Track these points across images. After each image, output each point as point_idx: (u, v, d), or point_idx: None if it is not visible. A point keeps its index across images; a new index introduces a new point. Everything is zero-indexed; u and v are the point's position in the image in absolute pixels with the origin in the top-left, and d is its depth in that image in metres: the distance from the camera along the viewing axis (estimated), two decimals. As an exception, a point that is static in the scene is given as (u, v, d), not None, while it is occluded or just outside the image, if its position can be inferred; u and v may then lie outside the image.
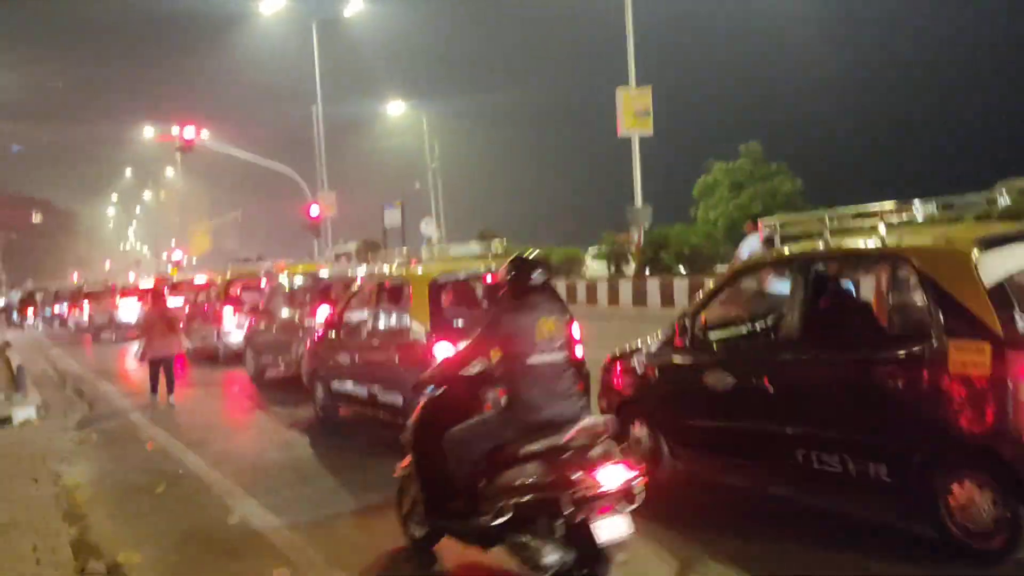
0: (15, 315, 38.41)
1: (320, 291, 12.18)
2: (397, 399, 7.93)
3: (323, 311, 11.51)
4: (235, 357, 16.37)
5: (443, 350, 7.23)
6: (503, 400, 4.71)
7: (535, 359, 4.54)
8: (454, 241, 39.73)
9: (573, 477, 4.15)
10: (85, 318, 29.24)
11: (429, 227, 34.72)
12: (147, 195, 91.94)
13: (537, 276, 4.73)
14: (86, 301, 29.85)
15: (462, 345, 5.11)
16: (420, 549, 5.20)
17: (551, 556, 4.30)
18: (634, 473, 4.22)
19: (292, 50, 48.55)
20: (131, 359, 13.81)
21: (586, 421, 4.37)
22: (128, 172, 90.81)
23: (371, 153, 53.70)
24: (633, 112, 22.06)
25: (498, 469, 4.51)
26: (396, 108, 50.98)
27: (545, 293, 4.78)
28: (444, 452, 4.74)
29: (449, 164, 57.22)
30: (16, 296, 39.02)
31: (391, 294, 8.53)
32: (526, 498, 4.32)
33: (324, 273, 14.26)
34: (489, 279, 8.28)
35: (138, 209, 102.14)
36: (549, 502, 4.21)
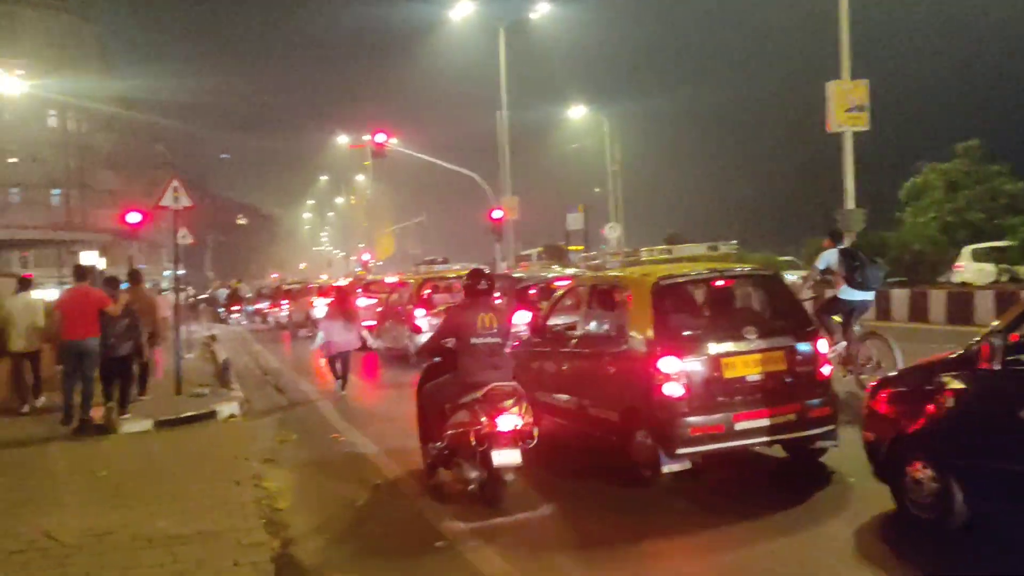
0: (221, 311, 40.93)
1: (517, 294, 11.56)
2: (611, 415, 7.11)
3: (522, 316, 10.93)
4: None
5: (669, 365, 6.37)
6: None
7: (475, 341, 6.75)
8: (638, 246, 38.72)
9: (480, 420, 6.38)
10: (284, 315, 30.50)
11: (613, 231, 33.82)
12: (339, 200, 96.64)
13: (481, 284, 6.98)
14: (285, 300, 31.15)
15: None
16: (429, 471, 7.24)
17: (471, 473, 6.50)
18: (524, 421, 6.43)
19: (479, 55, 49.03)
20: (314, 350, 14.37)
21: (498, 384, 6.56)
22: (323, 178, 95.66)
23: (553, 157, 53.37)
24: (846, 107, 20.26)
25: (447, 415, 6.79)
26: (578, 111, 50.50)
27: (487, 295, 7.05)
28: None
29: (631, 167, 56.11)
30: (223, 293, 41.63)
31: (605, 298, 7.73)
32: (455, 432, 6.62)
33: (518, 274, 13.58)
34: (722, 283, 7.31)
35: (331, 213, 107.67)
36: (465, 436, 6.46)
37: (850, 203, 20.66)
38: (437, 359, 7.26)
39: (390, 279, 21.83)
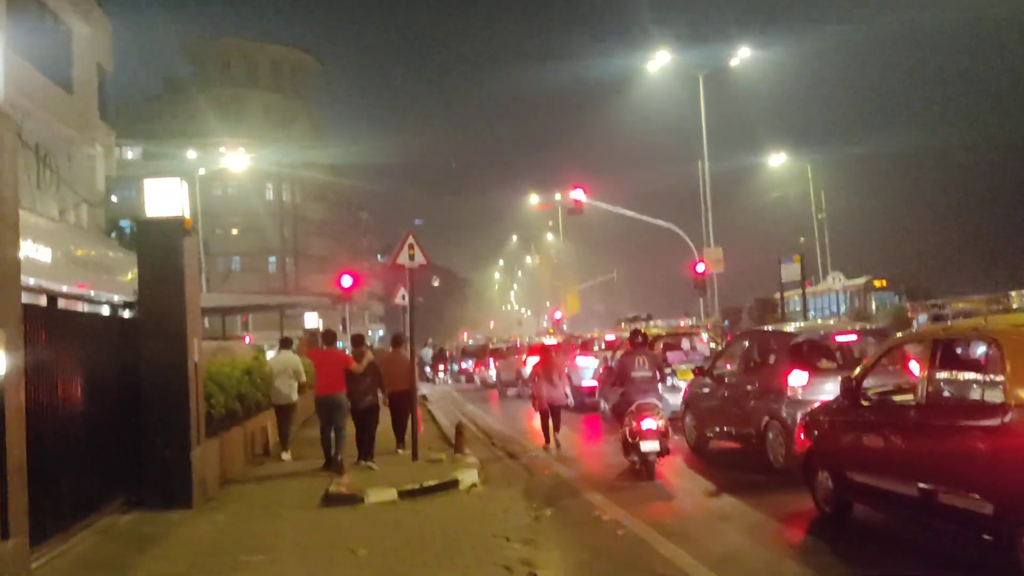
0: (427, 370, 41.47)
1: (790, 351, 10.14)
2: (982, 506, 5.59)
3: (798, 376, 9.58)
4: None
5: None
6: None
7: (634, 375, 10.98)
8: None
9: (631, 421, 10.55)
10: (492, 374, 30.18)
11: (837, 282, 31.25)
12: (528, 260, 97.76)
13: (638, 339, 11.59)
14: (492, 358, 30.87)
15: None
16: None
17: (633, 457, 10.67)
18: (661, 423, 10.39)
19: (676, 106, 48.15)
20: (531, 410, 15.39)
21: (644, 401, 10.71)
22: (514, 238, 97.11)
23: (755, 207, 51.24)
24: None
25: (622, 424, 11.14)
26: (779, 159, 48.26)
27: (644, 345, 11.57)
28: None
29: (838, 214, 52.84)
30: (429, 353, 42.28)
31: (958, 353, 6.27)
32: (624, 428, 10.86)
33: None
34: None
35: (519, 273, 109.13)
36: (626, 429, 10.76)
37: None
38: (621, 389, 11.31)
39: (609, 337, 20.80)
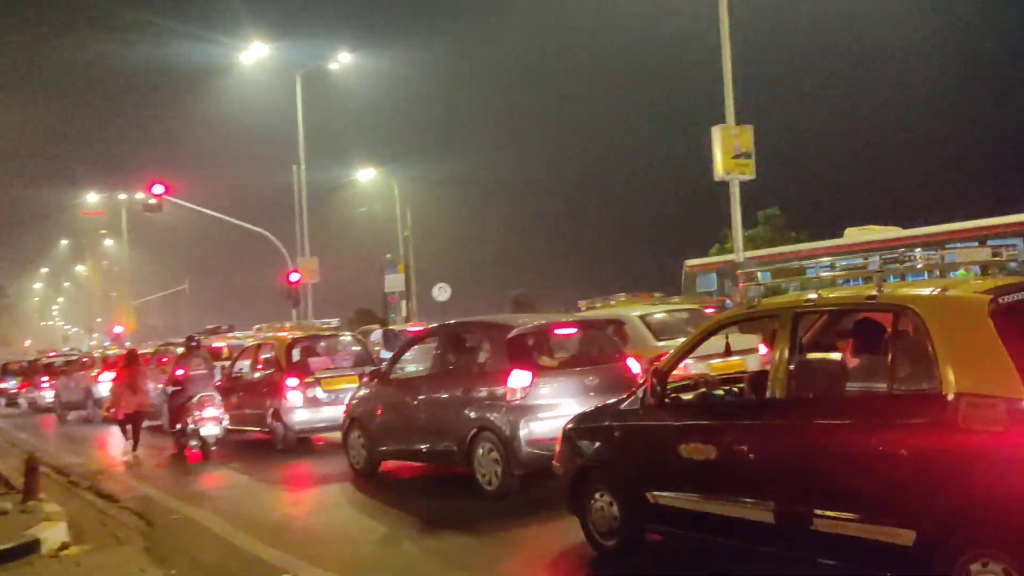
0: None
1: (508, 346, 8.34)
2: (893, 535, 4.20)
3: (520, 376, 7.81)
4: (301, 444, 12.49)
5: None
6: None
7: (192, 373, 13.10)
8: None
9: (194, 411, 12.26)
10: (46, 395, 24.38)
11: (443, 293, 30.85)
12: (81, 268, 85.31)
13: (192, 342, 14.02)
14: (46, 377, 25.07)
15: None
16: None
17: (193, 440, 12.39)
18: (220, 411, 12.34)
19: (273, 105, 45.11)
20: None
21: (204, 394, 12.49)
22: (64, 242, 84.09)
23: (353, 218, 49.78)
24: (732, 153, 19.10)
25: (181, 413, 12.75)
26: (368, 173, 47.68)
27: (197, 347, 13.78)
28: None
29: (426, 232, 54.00)
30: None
31: (829, 333, 4.88)
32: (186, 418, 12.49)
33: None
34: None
35: (66, 284, 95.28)
36: (187, 417, 12.39)
37: (741, 255, 19.34)
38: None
39: (219, 344, 17.46)
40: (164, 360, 17.78)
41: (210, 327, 36.45)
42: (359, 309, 37.08)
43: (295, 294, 37.29)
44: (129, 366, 14.23)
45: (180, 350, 15.16)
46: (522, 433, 7.81)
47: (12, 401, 28.98)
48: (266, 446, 12.85)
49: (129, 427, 13.62)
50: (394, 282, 32.86)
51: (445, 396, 8.78)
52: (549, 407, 7.90)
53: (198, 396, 12.34)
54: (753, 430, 4.89)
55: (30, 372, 27.93)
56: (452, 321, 10.48)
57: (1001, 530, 3.85)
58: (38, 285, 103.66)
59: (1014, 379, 3.85)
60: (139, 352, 16.29)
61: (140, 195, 34.97)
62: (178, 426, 12.64)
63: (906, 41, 53.83)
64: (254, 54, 37.50)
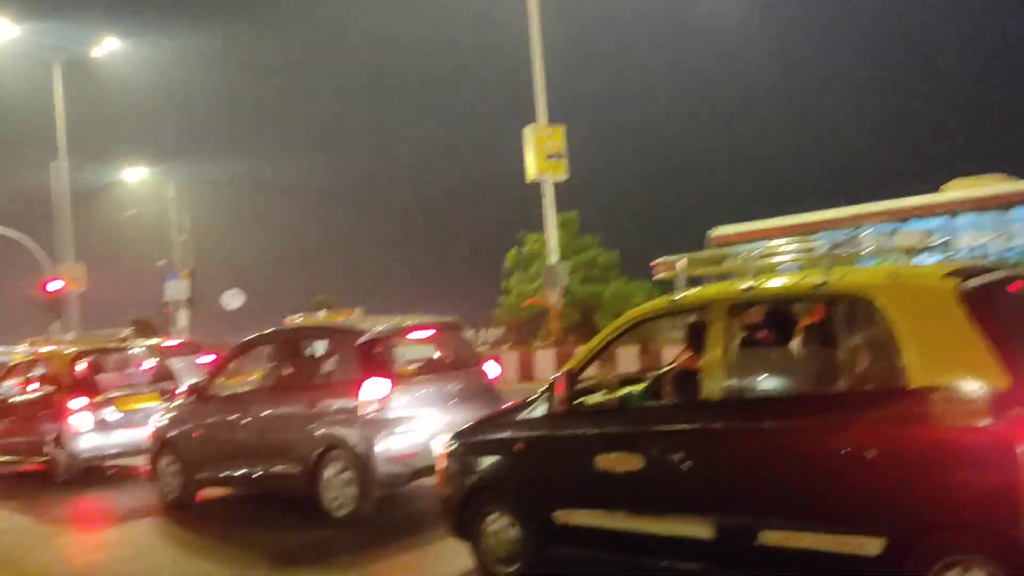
0: None
1: (359, 353, 7.46)
2: (859, 545, 3.85)
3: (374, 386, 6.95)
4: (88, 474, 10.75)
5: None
6: None
7: None
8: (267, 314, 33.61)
9: None
10: None
11: (235, 300, 28.54)
12: None
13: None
14: None
15: None
16: None
17: None
18: None
19: (26, 96, 40.45)
20: None
21: None
22: None
23: (127, 222, 45.35)
24: (545, 154, 19.01)
25: None
26: (139, 173, 43.95)
27: None
28: None
29: (220, 235, 50.80)
30: None
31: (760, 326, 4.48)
32: None
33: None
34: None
35: None
36: None
37: (554, 257, 19.31)
38: None
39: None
40: None
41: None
42: (135, 319, 33.76)
43: (56, 304, 33.68)
44: None
45: None
46: (379, 449, 6.95)
47: None
48: (45, 479, 10.96)
49: None
50: (176, 289, 30.18)
51: (282, 412, 7.68)
52: (408, 419, 7.10)
53: None
54: (687, 436, 4.40)
55: None
56: (288, 326, 9.27)
57: (983, 532, 3.58)
58: None
59: (992, 368, 3.59)
60: None
61: None
62: None
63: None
64: (2, 34, 33.52)
